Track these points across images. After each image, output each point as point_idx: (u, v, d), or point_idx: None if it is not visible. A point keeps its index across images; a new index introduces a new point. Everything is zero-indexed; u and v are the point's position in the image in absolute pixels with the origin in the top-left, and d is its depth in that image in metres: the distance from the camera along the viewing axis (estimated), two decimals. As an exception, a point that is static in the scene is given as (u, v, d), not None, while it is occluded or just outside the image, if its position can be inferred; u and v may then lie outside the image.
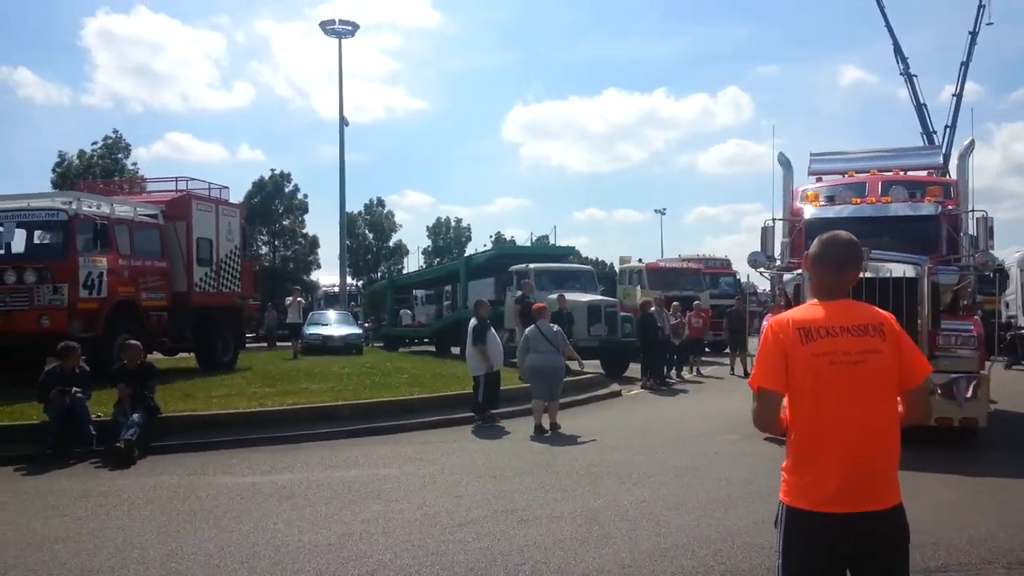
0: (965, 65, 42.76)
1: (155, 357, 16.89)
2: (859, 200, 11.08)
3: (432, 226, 74.79)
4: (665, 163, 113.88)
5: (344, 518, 6.73)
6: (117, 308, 15.26)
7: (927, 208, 10.69)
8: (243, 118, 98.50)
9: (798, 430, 2.89)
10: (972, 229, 10.57)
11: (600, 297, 20.71)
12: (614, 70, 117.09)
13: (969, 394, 9.07)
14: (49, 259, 14.63)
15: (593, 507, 7.02)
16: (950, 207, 10.79)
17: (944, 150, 42.61)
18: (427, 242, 73.89)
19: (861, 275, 8.98)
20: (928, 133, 43.57)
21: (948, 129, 42.96)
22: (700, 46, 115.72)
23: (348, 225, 48.75)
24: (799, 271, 9.61)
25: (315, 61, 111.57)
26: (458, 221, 75.29)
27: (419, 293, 37.67)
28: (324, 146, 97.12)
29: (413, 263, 69.24)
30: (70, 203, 15.35)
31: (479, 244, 70.91)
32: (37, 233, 15.94)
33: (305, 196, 58.47)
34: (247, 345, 23.65)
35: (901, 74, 43.85)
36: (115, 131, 49.77)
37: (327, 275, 58.44)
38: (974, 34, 42.08)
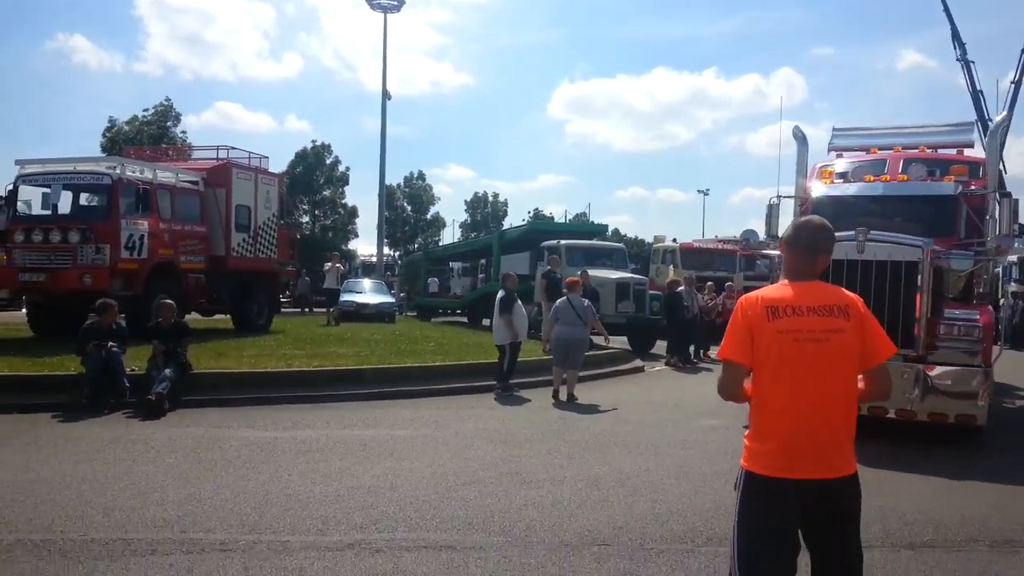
0: (1025, 53, 41.31)
1: (192, 317, 17.49)
2: (873, 178, 10.43)
3: (470, 200, 75.08)
4: (713, 143, 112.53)
5: (355, 473, 7.03)
6: (156, 269, 15.85)
7: (944, 188, 10.04)
8: (291, 89, 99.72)
9: (758, 401, 3.09)
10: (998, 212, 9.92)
11: (628, 275, 20.75)
12: (663, 48, 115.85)
13: (969, 389, 8.42)
14: (93, 221, 15.24)
15: (596, 473, 7.23)
16: (972, 187, 10.08)
17: (1001, 138, 41.88)
18: (465, 216, 74.25)
19: (858, 258, 8.50)
20: (984, 120, 42.14)
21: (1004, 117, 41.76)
22: (753, 26, 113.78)
23: (387, 197, 49.21)
24: None
25: (362, 34, 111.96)
26: (495, 196, 75.47)
27: (455, 265, 38.01)
28: (369, 118, 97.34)
29: (450, 236, 69.67)
30: (114, 168, 15.92)
31: (517, 219, 70.99)
32: (83, 196, 16.54)
33: (347, 168, 59.12)
34: (282, 310, 24.29)
35: (958, 60, 42.34)
36: (167, 99, 50.75)
37: (365, 245, 59.22)
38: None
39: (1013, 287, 29.59)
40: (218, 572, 4.64)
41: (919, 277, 8.64)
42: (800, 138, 11.81)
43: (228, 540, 5.18)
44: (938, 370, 8.50)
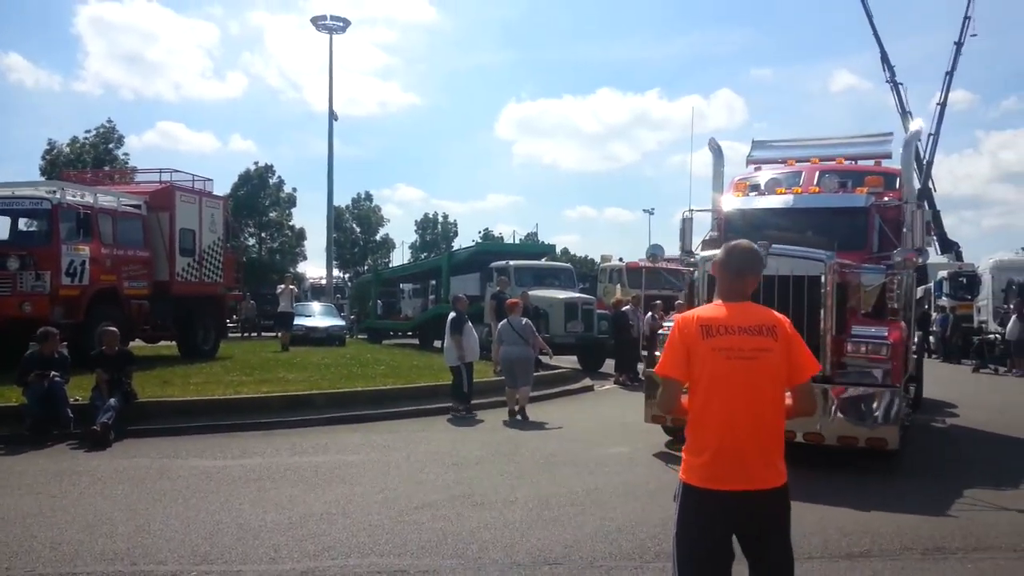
0: (950, 75, 43.02)
1: (137, 344, 17.18)
2: (785, 190, 10.19)
3: (420, 221, 75.10)
4: (657, 163, 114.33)
5: (307, 500, 7.04)
6: (99, 295, 15.55)
7: (854, 200, 9.79)
8: (235, 109, 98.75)
9: (693, 415, 3.27)
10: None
11: (577, 294, 21.05)
12: (608, 70, 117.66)
13: (879, 410, 7.99)
14: (32, 246, 14.93)
15: (546, 493, 7.35)
16: (886, 199, 9.82)
17: (927, 157, 43.52)
18: (415, 237, 74.18)
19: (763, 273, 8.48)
20: (913, 140, 44.04)
21: (931, 137, 43.34)
22: (694, 48, 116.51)
23: (335, 218, 48.95)
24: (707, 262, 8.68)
25: (308, 54, 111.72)
26: (445, 217, 75.66)
27: (406, 287, 37.93)
28: (316, 139, 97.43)
29: (401, 257, 69.51)
30: (54, 192, 15.63)
31: (467, 240, 71.22)
32: (21, 221, 16.12)
33: (293, 189, 58.71)
34: (229, 335, 23.96)
35: (887, 82, 44.03)
36: (109, 120, 49.87)
37: (314, 267, 58.70)
38: (959, 45, 42.32)
39: (945, 302, 30.66)
40: (171, 604, 4.64)
41: (822, 292, 8.28)
42: (716, 150, 11.59)
43: (179, 571, 5.17)
44: (845, 391, 8.10)
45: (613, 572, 5.29)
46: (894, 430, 8.01)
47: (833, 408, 7.99)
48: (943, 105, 43.61)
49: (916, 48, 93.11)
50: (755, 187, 10.74)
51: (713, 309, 3.35)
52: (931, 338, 27.20)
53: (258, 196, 56.22)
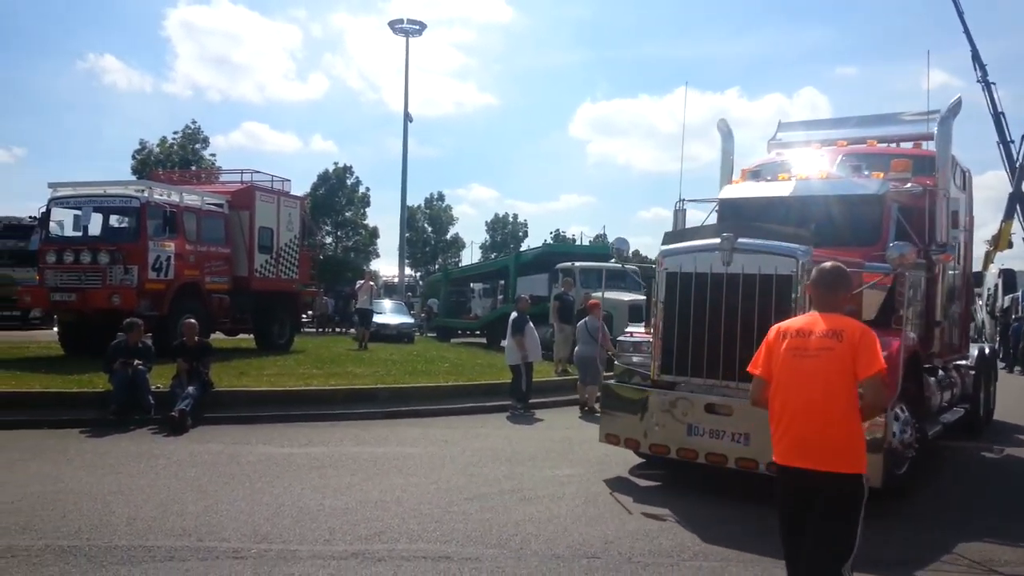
0: (1048, 72, 41.30)
1: (217, 337, 18.00)
2: (788, 176, 9.00)
3: (490, 221, 75.80)
4: (736, 164, 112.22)
5: (364, 487, 7.39)
6: (182, 289, 16.40)
7: (864, 186, 8.44)
8: (316, 110, 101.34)
9: (771, 404, 3.92)
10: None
11: (641, 297, 21.03)
12: (685, 68, 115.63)
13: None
14: (121, 242, 15.83)
15: (594, 491, 7.54)
16: (909, 185, 8.46)
17: (1020, 160, 41.66)
18: (485, 237, 75.00)
19: (724, 271, 7.18)
20: (1005, 142, 42.21)
21: (1025, 138, 41.55)
22: (775, 46, 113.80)
23: (408, 218, 49.90)
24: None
25: (387, 55, 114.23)
26: (515, 217, 76.16)
27: (476, 287, 38.39)
28: (393, 139, 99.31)
29: (471, 257, 70.33)
30: (142, 191, 16.55)
31: (537, 240, 71.57)
32: (112, 218, 17.13)
33: (368, 189, 60.08)
34: (305, 330, 24.73)
35: (978, 81, 42.38)
36: (194, 121, 52.02)
37: (386, 265, 59.89)
38: (1058, 40, 40.59)
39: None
40: (231, 577, 5.02)
41: (794, 294, 6.97)
42: (725, 133, 10.64)
43: (241, 548, 5.55)
44: None
45: (649, 568, 5.44)
46: (877, 461, 6.42)
47: None
48: (1038, 105, 41.90)
49: (1012, 47, 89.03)
50: (755, 174, 9.74)
51: (799, 318, 4.14)
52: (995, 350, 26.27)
53: (335, 195, 57.75)
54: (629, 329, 9.29)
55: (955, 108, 8.94)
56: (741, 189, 9.35)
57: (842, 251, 7.48)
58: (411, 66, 41.44)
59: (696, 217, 10.01)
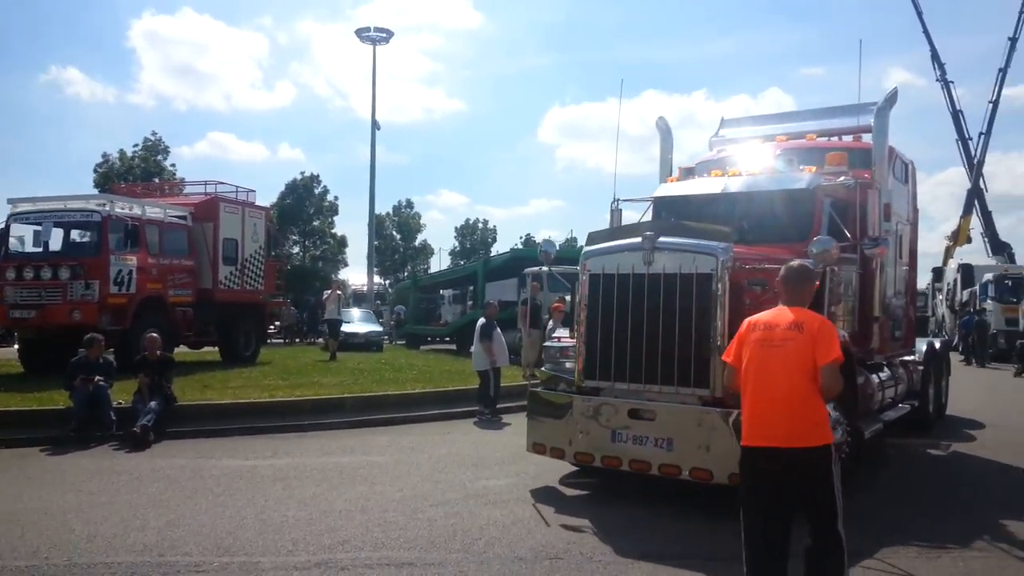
0: (1003, 72, 42.17)
1: (181, 350, 17.85)
2: (721, 173, 8.85)
3: (460, 227, 75.82)
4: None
5: (329, 498, 7.38)
6: (145, 303, 16.25)
7: (796, 181, 8.23)
8: (283, 118, 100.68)
9: (743, 390, 4.37)
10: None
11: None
12: (653, 72, 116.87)
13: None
14: (82, 257, 15.65)
15: (560, 494, 7.62)
16: (841, 179, 8.21)
17: (978, 157, 42.64)
18: (454, 243, 74.97)
19: (645, 271, 6.95)
20: (964, 139, 43.25)
21: (983, 136, 42.58)
22: (741, 48, 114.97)
23: (376, 226, 49.77)
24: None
25: (354, 62, 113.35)
26: (484, 222, 76.25)
27: (446, 293, 38.41)
28: (362, 146, 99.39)
29: (440, 264, 70.29)
30: (103, 205, 16.38)
31: (507, 246, 71.65)
32: (73, 232, 16.92)
33: (336, 198, 59.84)
34: (272, 341, 24.55)
35: (937, 80, 43.36)
36: (154, 133, 51.47)
37: (355, 273, 59.67)
38: (1014, 40, 41.47)
39: (990, 305, 30.10)
40: (191, 590, 5.01)
41: (715, 294, 6.82)
42: (663, 130, 10.62)
43: (203, 562, 5.53)
44: (734, 416, 6.23)
45: (610, 567, 5.52)
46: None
47: (718, 438, 6.50)
48: (995, 103, 42.76)
49: (971, 46, 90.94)
50: (690, 171, 9.65)
51: (767, 312, 4.51)
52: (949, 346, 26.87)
53: (303, 205, 57.45)
54: (557, 334, 9.09)
55: (891, 99, 8.86)
56: (674, 187, 9.22)
57: (775, 247, 7.49)
58: (379, 73, 42.05)
59: (635, 218, 9.67)
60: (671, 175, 9.98)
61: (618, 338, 7.18)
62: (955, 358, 26.91)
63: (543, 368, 8.31)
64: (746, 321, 4.53)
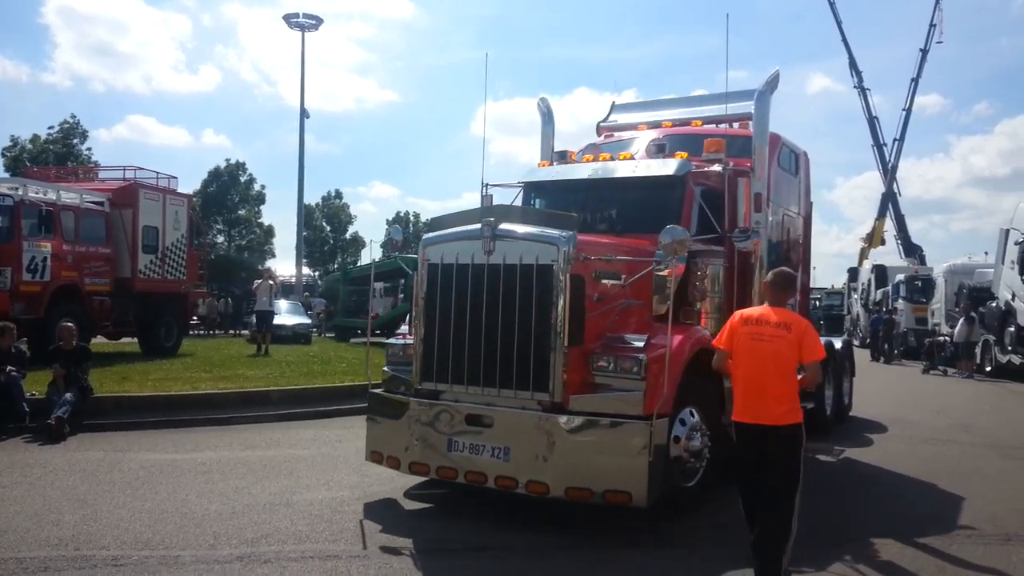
0: (915, 81, 44.13)
1: (99, 341, 17.30)
2: (592, 158, 8.58)
3: (391, 219, 75.22)
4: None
5: (253, 491, 7.31)
6: (60, 291, 15.67)
7: (664, 168, 7.85)
8: (208, 103, 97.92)
9: (733, 374, 5.21)
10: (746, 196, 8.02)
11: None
12: (586, 70, 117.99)
13: (617, 454, 5.87)
14: (-7, 242, 14.95)
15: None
16: (717, 167, 7.90)
17: (892, 162, 44.48)
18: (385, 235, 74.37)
19: (485, 261, 6.38)
20: (879, 145, 45.11)
21: (896, 142, 44.48)
22: (671, 50, 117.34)
23: (305, 216, 48.97)
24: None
25: (282, 48, 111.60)
26: (417, 215, 75.83)
27: (378, 285, 38.02)
28: (290, 134, 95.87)
29: (371, 256, 69.49)
30: (16, 189, 15.69)
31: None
32: (-17, 217, 16.18)
33: (262, 187, 58.59)
34: (195, 333, 23.96)
35: (855, 87, 45.10)
36: (73, 116, 49.49)
37: (283, 265, 58.49)
38: (924, 52, 43.42)
39: (901, 304, 31.50)
40: (109, 585, 4.92)
41: (555, 287, 6.18)
42: (544, 113, 10.13)
43: (120, 556, 5.43)
44: (575, 423, 5.98)
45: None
46: (642, 480, 5.79)
47: (556, 448, 5.97)
48: (908, 111, 44.74)
49: (886, 54, 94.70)
50: (561, 155, 9.08)
51: (757, 308, 5.42)
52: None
53: (228, 193, 56.09)
54: (402, 330, 8.44)
55: (772, 83, 8.48)
56: (543, 172, 8.71)
57: (642, 237, 7.10)
58: (308, 60, 40.99)
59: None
60: (549, 159, 9.36)
61: (456, 336, 6.53)
62: (865, 355, 28.32)
63: (384, 368, 7.54)
64: (738, 313, 5.30)
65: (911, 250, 43.03)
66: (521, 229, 6.53)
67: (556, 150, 9.46)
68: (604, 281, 6.64)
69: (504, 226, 6.46)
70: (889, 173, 44.29)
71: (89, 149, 49.41)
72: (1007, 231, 20.95)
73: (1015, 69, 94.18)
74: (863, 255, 44.00)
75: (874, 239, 43.76)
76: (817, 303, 55.40)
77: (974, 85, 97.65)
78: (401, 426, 6.78)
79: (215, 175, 56.59)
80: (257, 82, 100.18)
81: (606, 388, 6.17)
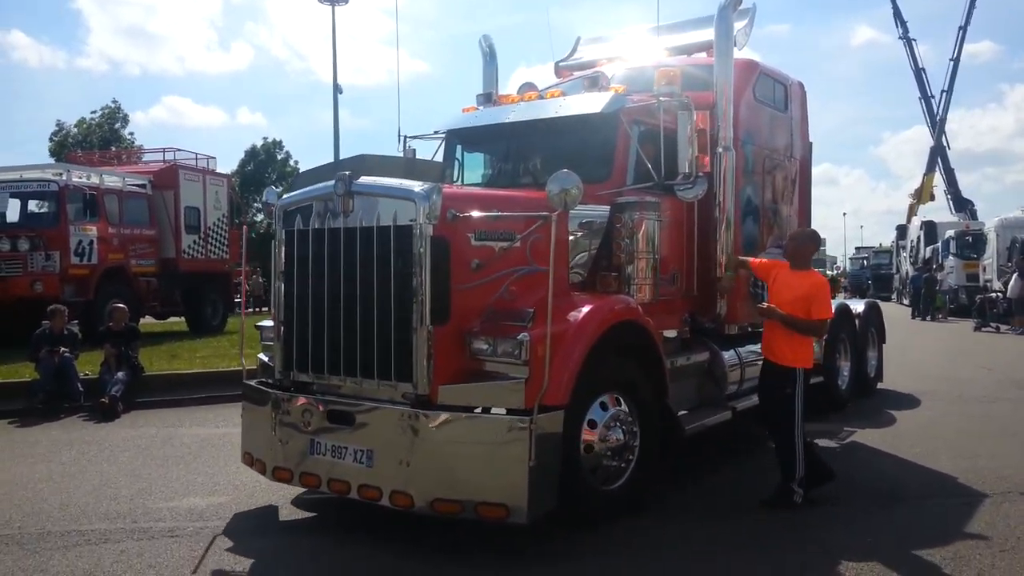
0: (963, 29, 42.48)
1: (148, 321, 17.71)
2: (518, 98, 7.16)
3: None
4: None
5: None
6: (107, 274, 16.07)
7: (591, 104, 6.49)
8: (241, 81, 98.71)
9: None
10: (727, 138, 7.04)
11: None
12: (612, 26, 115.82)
13: (494, 459, 4.76)
14: (41, 227, 15.39)
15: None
16: (643, 101, 6.51)
17: (940, 114, 43.18)
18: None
19: (341, 224, 5.28)
20: (926, 97, 43.77)
21: (944, 94, 43.07)
22: (704, 3, 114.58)
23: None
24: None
25: (313, 22, 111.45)
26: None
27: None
28: (323, 110, 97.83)
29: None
30: (60, 174, 16.08)
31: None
32: (31, 203, 16.62)
33: (298, 163, 58.91)
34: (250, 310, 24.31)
35: (900, 38, 43.68)
36: (114, 100, 50.18)
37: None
38: (973, -3, 41.76)
39: (951, 261, 30.73)
40: (165, 555, 5.05)
41: (415, 252, 5.01)
42: (486, 53, 8.98)
43: (176, 527, 5.58)
44: (439, 420, 4.84)
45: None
46: (520, 490, 4.67)
47: (419, 451, 4.88)
48: (956, 60, 43.15)
49: (933, 3, 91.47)
50: (487, 98, 7.57)
51: (786, 265, 6.17)
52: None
53: (265, 171, 56.57)
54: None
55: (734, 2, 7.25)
56: (463, 118, 7.36)
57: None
58: (339, 34, 40.83)
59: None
60: (493, 100, 7.58)
61: (316, 316, 5.47)
62: (906, 314, 27.85)
63: (260, 355, 6.49)
64: (776, 262, 6.30)
65: (962, 205, 41.86)
66: (378, 183, 5.38)
67: (480, 93, 7.93)
68: (490, 244, 5.34)
69: (363, 180, 5.33)
70: (937, 126, 42.98)
71: (132, 133, 50.24)
72: (1061, 181, 20.27)
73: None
74: (912, 212, 42.97)
75: (923, 195, 42.65)
76: (865, 263, 54.80)
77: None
78: (267, 424, 5.69)
79: (252, 154, 57.02)
80: (288, 58, 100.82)
81: (491, 377, 5.01)
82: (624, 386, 5.59)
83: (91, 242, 15.72)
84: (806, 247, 6.18)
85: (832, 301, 7.01)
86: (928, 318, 27.41)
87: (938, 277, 29.91)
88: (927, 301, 28.23)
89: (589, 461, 5.30)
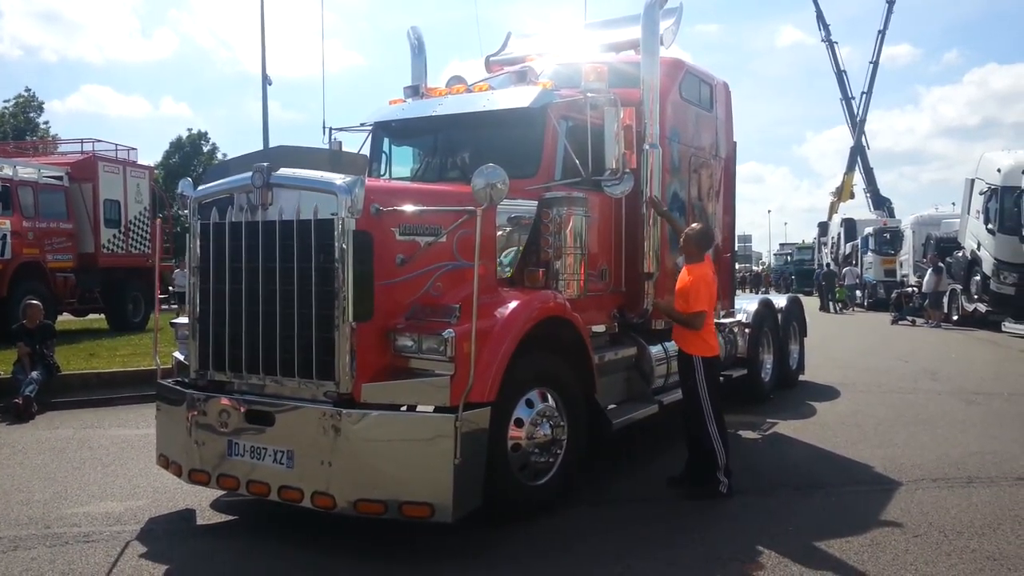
0: (882, 34, 44.15)
1: (66, 318, 17.05)
2: (445, 91, 7.19)
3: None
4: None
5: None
6: (21, 269, 15.40)
7: (518, 99, 6.50)
8: (165, 70, 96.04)
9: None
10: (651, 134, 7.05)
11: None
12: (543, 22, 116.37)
13: (416, 458, 4.73)
14: (-50, 221, 14.63)
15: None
16: (571, 96, 6.53)
17: (860, 115, 44.68)
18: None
19: (259, 218, 5.14)
20: (847, 99, 45.28)
21: (864, 95, 44.64)
22: (633, 1, 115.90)
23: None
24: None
25: (240, 10, 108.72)
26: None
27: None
28: (252, 101, 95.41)
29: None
30: (-30, 165, 15.31)
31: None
32: (-61, 196, 15.81)
33: (224, 155, 57.53)
34: (164, 308, 23.61)
35: (823, 40, 45.11)
36: (28, 89, 48.35)
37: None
38: (891, 2, 43.37)
39: (870, 257, 31.92)
40: (79, 561, 4.86)
41: (337, 248, 4.87)
42: (413, 45, 8.91)
43: (92, 532, 5.38)
44: (361, 418, 4.75)
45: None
46: (445, 489, 4.65)
47: (341, 450, 4.77)
48: (876, 63, 44.79)
49: (854, 5, 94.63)
50: (414, 90, 7.51)
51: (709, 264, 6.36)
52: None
53: (191, 164, 55.07)
54: None
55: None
56: (390, 111, 7.31)
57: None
58: (268, 22, 39.82)
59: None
60: (420, 94, 7.53)
61: (233, 313, 5.31)
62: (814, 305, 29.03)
63: (175, 354, 6.46)
64: (711, 273, 6.15)
65: (880, 203, 43.48)
66: (297, 176, 5.17)
67: (407, 85, 7.74)
68: (415, 239, 5.26)
69: (282, 172, 5.15)
70: (857, 126, 44.56)
71: (47, 123, 48.35)
72: (972, 181, 21.23)
73: (985, 16, 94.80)
74: (833, 209, 44.41)
75: (843, 193, 44.14)
76: (789, 259, 56.43)
77: (944, 34, 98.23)
78: (182, 425, 5.52)
79: (177, 146, 55.58)
80: (214, 47, 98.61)
81: (416, 374, 4.96)
82: (552, 381, 5.59)
83: (4, 236, 15.08)
84: (696, 243, 6.19)
85: (755, 296, 7.73)
86: (833, 311, 28.78)
87: (837, 272, 31.80)
88: (826, 293, 30.22)
89: (517, 458, 5.30)
